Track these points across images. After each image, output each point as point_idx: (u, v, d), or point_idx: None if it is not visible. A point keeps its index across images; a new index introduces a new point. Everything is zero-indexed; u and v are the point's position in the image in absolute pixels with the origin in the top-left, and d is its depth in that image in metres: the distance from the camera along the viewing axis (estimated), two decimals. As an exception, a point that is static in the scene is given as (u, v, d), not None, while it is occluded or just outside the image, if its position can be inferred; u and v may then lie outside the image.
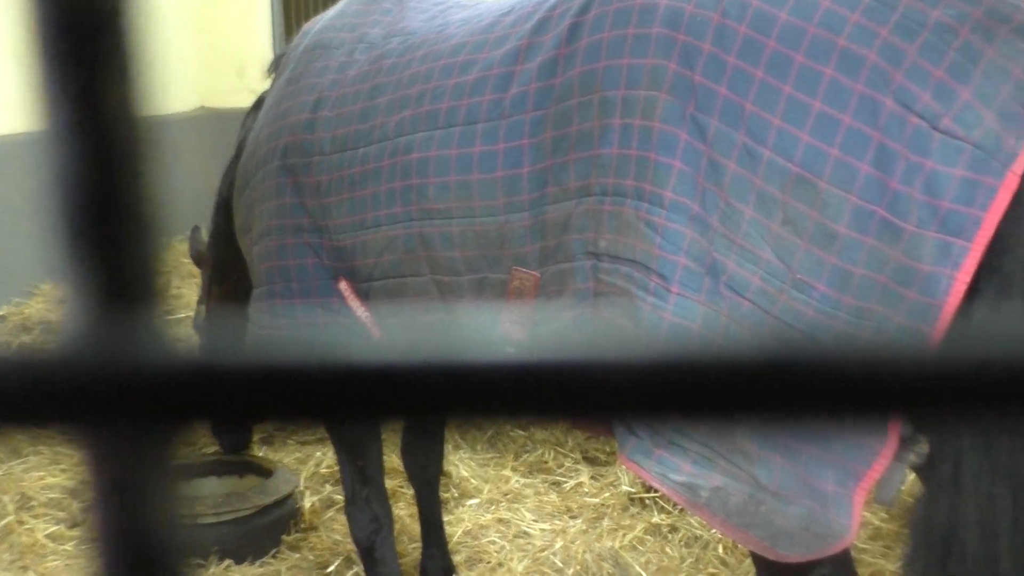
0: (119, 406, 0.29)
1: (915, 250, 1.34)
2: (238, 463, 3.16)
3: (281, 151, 2.09)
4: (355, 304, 2.00)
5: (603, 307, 1.58)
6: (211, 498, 2.87)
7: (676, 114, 1.49)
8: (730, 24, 1.47)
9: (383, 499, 2.32)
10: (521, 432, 3.46)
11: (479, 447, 3.42)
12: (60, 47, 0.28)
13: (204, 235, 2.95)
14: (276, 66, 2.44)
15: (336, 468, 3.16)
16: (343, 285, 2.00)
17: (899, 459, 1.47)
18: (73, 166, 0.29)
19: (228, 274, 2.71)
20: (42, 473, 3.20)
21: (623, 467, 3.15)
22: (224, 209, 2.58)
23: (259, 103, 2.54)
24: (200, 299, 3.01)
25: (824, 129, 1.39)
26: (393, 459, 2.76)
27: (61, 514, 3.01)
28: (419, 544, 2.66)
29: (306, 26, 2.40)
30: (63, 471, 3.23)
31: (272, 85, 2.35)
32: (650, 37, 1.54)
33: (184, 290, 4.71)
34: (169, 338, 0.29)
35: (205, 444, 3.43)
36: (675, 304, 1.47)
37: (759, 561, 1.60)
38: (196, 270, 5.28)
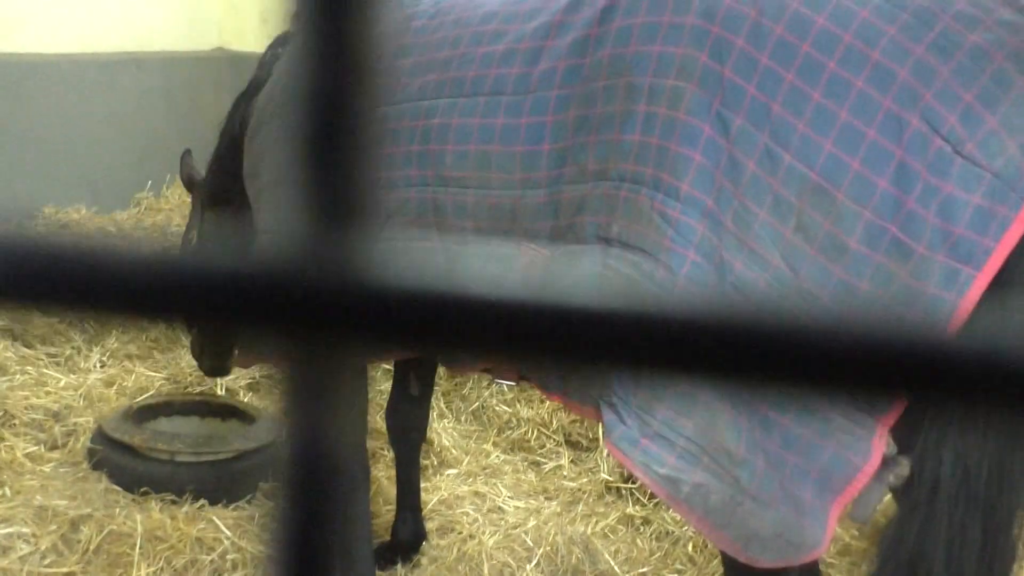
0: (321, 319, 0.29)
1: (922, 272, 1.34)
2: (223, 406, 3.17)
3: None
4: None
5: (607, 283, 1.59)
6: (192, 437, 2.88)
7: (702, 107, 1.49)
8: (766, 23, 1.46)
9: (363, 458, 2.33)
10: (507, 408, 3.47)
11: (464, 418, 3.43)
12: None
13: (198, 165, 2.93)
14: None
15: (319, 422, 3.17)
16: None
17: (879, 479, 1.47)
18: (313, 79, 0.29)
19: (223, 206, 2.69)
20: (27, 393, 3.21)
21: (604, 454, 3.16)
22: (231, 146, 2.56)
23: (277, 42, 2.53)
24: (189, 225, 2.98)
25: (848, 140, 1.38)
26: (377, 420, 2.76)
27: (42, 435, 3.02)
28: (394, 507, 2.67)
29: None
30: (48, 393, 3.24)
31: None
32: (684, 26, 1.53)
33: (183, 227, 4.70)
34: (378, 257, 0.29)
35: (192, 383, 3.44)
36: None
37: (728, 562, 1.61)
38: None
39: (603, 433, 1.62)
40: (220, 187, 2.66)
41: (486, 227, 1.74)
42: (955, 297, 1.32)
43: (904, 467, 1.47)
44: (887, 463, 1.47)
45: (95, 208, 4.85)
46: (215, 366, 2.90)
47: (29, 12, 4.69)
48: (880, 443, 1.42)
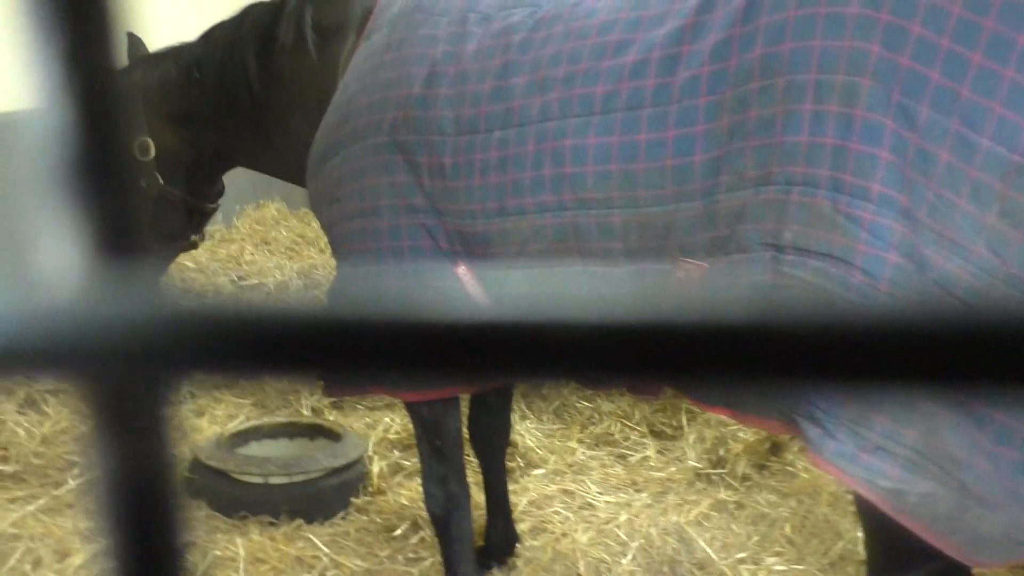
0: (118, 357, 0.29)
1: None
2: (309, 426, 3.23)
3: (389, 126, 1.97)
4: (473, 289, 1.89)
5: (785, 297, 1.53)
6: (282, 459, 2.95)
7: (881, 101, 1.39)
8: (941, 3, 1.37)
9: (461, 477, 2.27)
10: (587, 404, 3.46)
11: (545, 418, 3.43)
12: (48, 13, 0.29)
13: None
14: (351, 24, 2.29)
15: (403, 434, 3.22)
16: (462, 270, 1.90)
17: None
18: (66, 127, 0.30)
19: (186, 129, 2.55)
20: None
21: (690, 441, 3.13)
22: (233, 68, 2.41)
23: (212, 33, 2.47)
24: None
25: None
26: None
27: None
28: (484, 511, 2.69)
29: None
30: None
31: (357, 46, 2.20)
32: (846, 17, 1.43)
33: (257, 256, 4.82)
34: (161, 289, 0.30)
35: (278, 407, 3.53)
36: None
37: (878, 544, 1.56)
38: (269, 236, 5.43)
39: (809, 449, 1.51)
40: (196, 102, 2.49)
41: (637, 246, 1.66)
42: None
43: None
44: None
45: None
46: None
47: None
48: None
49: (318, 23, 2.33)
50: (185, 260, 4.75)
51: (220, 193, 2.78)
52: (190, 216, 2.65)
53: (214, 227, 5.46)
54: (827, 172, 1.43)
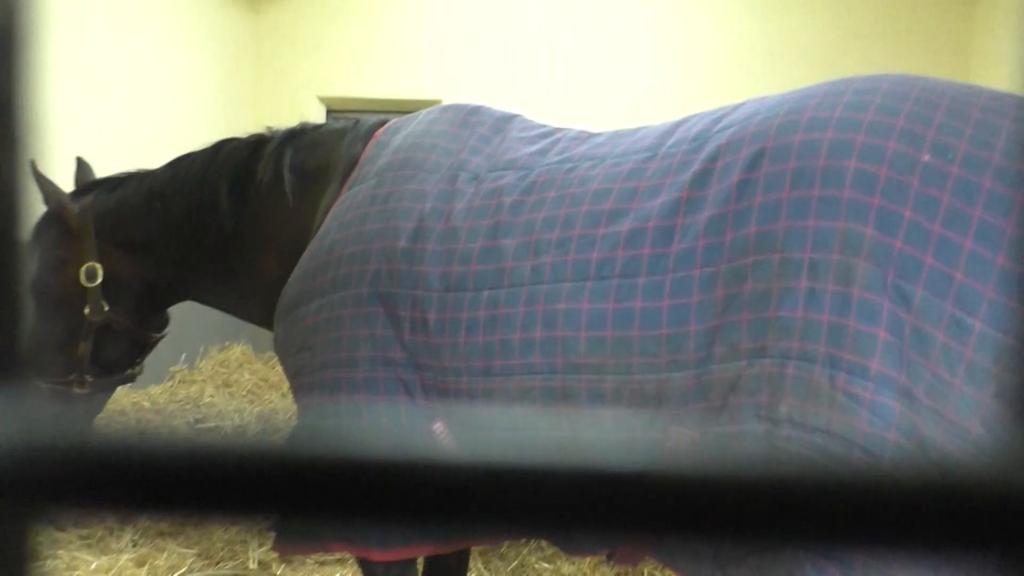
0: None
1: None
2: (254, 580, 3.06)
3: (372, 277, 1.95)
4: (447, 445, 1.82)
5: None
6: (222, 616, 2.77)
7: (877, 282, 1.41)
8: (932, 192, 1.42)
9: None
10: (547, 565, 3.32)
11: (503, 579, 3.28)
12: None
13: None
14: (333, 171, 2.27)
15: (353, 592, 3.05)
16: (438, 426, 1.82)
17: None
18: None
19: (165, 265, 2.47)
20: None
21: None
22: (211, 194, 2.35)
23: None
24: (61, 366, 2.45)
25: None
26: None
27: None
28: None
29: (379, 135, 2.24)
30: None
31: (339, 194, 2.19)
32: (840, 200, 1.47)
33: (217, 399, 4.73)
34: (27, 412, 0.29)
35: (223, 558, 3.36)
36: None
37: None
38: (231, 379, 5.35)
39: None
40: (173, 240, 2.40)
41: (627, 414, 1.64)
42: None
43: None
44: None
45: (130, 384, 4.90)
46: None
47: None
48: None
49: (299, 165, 2.33)
50: (143, 400, 4.64)
51: (166, 323, 2.67)
52: (132, 346, 2.55)
53: (176, 368, 5.39)
54: (824, 348, 1.43)
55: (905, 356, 1.39)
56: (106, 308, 2.44)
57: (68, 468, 0.29)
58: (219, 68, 6.49)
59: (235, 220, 2.35)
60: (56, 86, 4.58)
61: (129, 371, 2.58)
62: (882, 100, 1.54)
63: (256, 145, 2.39)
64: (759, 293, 1.51)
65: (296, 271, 2.12)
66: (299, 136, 2.38)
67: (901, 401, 1.38)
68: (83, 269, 2.42)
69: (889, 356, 1.39)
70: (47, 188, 2.50)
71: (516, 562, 3.35)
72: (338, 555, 3.28)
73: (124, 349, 2.52)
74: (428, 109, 2.29)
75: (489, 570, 3.32)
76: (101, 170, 2.76)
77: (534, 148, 2.00)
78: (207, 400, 4.77)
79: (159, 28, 5.79)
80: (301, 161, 2.32)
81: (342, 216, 2.09)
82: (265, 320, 2.42)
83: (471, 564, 3.30)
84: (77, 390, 2.46)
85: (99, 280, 2.42)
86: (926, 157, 1.45)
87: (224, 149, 2.43)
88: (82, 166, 2.70)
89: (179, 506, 0.29)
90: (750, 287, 1.53)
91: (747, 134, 1.64)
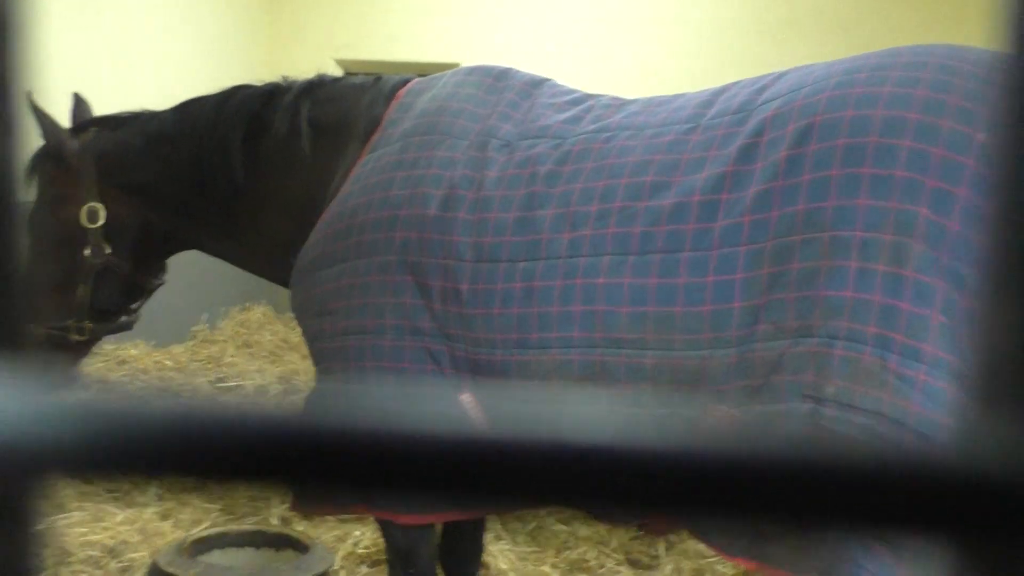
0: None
1: None
2: (276, 536, 3.13)
3: (400, 245, 1.92)
4: (477, 417, 1.78)
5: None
6: (246, 568, 2.84)
7: (931, 263, 1.39)
8: (984, 170, 1.40)
9: None
10: (564, 527, 3.37)
11: (520, 539, 3.34)
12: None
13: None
14: (352, 129, 2.21)
15: (373, 549, 3.11)
16: (466, 397, 1.81)
17: None
18: None
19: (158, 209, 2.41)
20: (84, 530, 3.22)
21: (666, 572, 3.03)
22: (219, 150, 2.27)
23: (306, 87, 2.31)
24: (60, 310, 2.37)
25: None
26: (431, 544, 2.70)
27: (98, 572, 3.01)
28: (451, 636, 2.57)
29: (401, 95, 2.17)
30: (105, 529, 3.24)
31: (359, 156, 2.14)
32: (892, 179, 1.44)
33: (238, 359, 4.78)
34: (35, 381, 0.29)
35: (245, 514, 3.42)
36: None
37: None
38: (252, 339, 5.40)
39: None
40: (169, 188, 2.33)
41: (666, 390, 1.62)
42: None
43: None
44: None
45: (153, 342, 4.97)
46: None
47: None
48: None
49: (315, 119, 2.26)
50: (165, 359, 4.70)
51: (164, 269, 2.60)
52: (131, 291, 2.48)
53: (197, 328, 5.44)
54: (874, 329, 1.41)
55: (959, 339, 1.37)
56: (107, 251, 2.38)
57: (81, 433, 0.29)
58: (236, 32, 6.47)
59: (245, 171, 2.28)
60: (70, 46, 4.58)
61: (125, 318, 2.51)
62: (932, 75, 1.51)
63: (271, 95, 2.32)
64: (806, 272, 1.49)
65: (315, 234, 2.09)
66: (317, 88, 2.31)
67: (954, 384, 1.36)
68: (84, 209, 2.35)
69: (943, 339, 1.38)
70: (45, 123, 2.41)
71: (533, 524, 3.40)
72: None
73: (123, 294, 2.46)
74: (453, 71, 2.24)
75: (507, 531, 3.38)
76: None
77: (566, 115, 1.96)
78: (228, 360, 4.83)
79: (179, -12, 5.77)
80: (318, 115, 2.26)
81: (365, 180, 2.05)
82: (271, 275, 2.40)
83: (489, 525, 3.35)
84: (76, 336, 2.40)
85: (100, 221, 2.36)
86: (981, 136, 1.42)
87: (236, 96, 2.35)
88: (79, 102, 2.59)
89: (196, 469, 0.29)
90: (797, 265, 1.51)
91: (794, 108, 1.61)
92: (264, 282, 2.65)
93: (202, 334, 5.32)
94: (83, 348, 2.49)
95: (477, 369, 1.84)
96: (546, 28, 6.90)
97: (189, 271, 5.19)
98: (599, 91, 2.15)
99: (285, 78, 2.39)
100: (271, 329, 5.51)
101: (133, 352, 4.79)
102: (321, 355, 2.06)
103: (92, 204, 2.36)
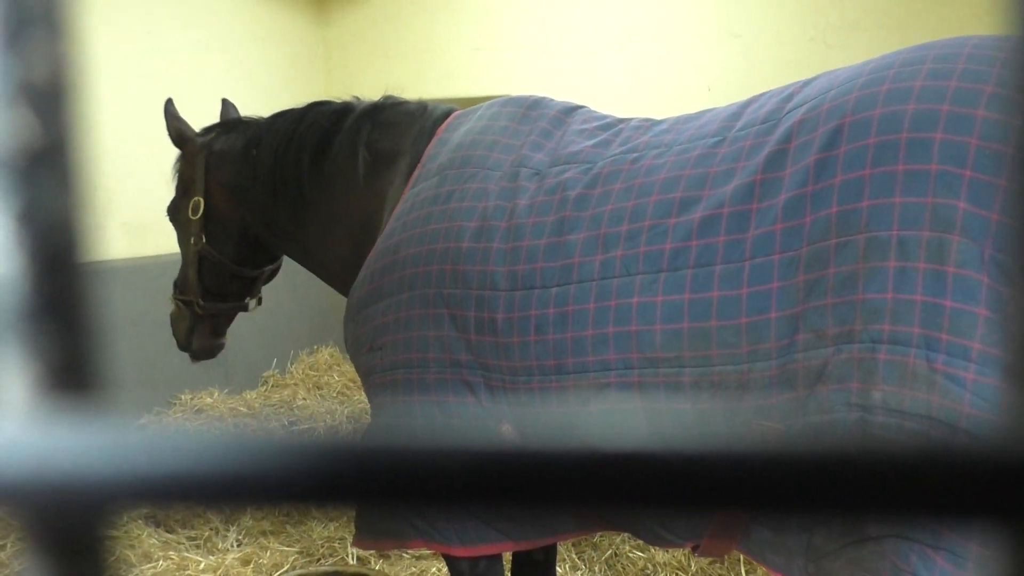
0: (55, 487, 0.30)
1: None
2: (355, 575, 3.15)
3: (437, 278, 1.94)
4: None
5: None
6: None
7: (973, 257, 1.34)
8: None
9: None
10: (641, 554, 3.32)
11: (597, 568, 3.30)
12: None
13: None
14: (402, 159, 2.29)
15: (450, 585, 3.11)
16: (506, 428, 1.85)
17: None
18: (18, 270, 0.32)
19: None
20: (169, 578, 3.29)
21: (750, 597, 2.96)
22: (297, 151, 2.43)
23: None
24: (183, 285, 2.72)
25: None
26: (507, 578, 2.69)
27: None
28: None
29: (440, 131, 2.24)
30: (189, 577, 3.31)
31: (403, 192, 2.19)
32: (928, 174, 1.40)
33: (309, 401, 4.86)
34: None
35: (323, 555, 3.46)
36: None
37: None
38: (321, 381, 5.49)
39: None
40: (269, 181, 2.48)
41: (707, 407, 1.59)
42: None
43: None
44: None
45: (227, 389, 5.09)
46: (205, 347, 2.78)
47: (161, 218, 5.17)
48: None
49: (373, 143, 2.35)
50: (239, 405, 4.80)
51: (267, 263, 2.77)
52: (231, 280, 2.70)
53: (268, 373, 5.56)
54: (919, 330, 1.36)
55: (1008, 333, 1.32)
56: (203, 240, 2.62)
57: (148, 466, 0.31)
58: (290, 77, 6.65)
59: (312, 186, 2.42)
60: (131, 99, 4.77)
61: (235, 303, 2.75)
62: (966, 65, 1.46)
63: (340, 114, 2.44)
64: (844, 276, 1.45)
65: (363, 271, 2.15)
66: (379, 112, 2.41)
67: (1007, 381, 1.30)
68: (192, 202, 2.63)
69: (991, 334, 1.32)
70: (173, 124, 2.73)
71: (609, 551, 3.35)
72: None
73: (224, 282, 2.70)
74: (489, 103, 2.28)
75: (583, 560, 3.34)
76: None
77: (596, 140, 1.96)
78: (300, 403, 4.91)
79: (231, 41, 5.97)
80: (376, 140, 2.35)
81: (406, 216, 2.10)
82: (339, 288, 2.52)
83: (564, 555, 3.32)
84: (196, 310, 2.70)
85: (200, 213, 2.61)
86: (1020, 122, 1.38)
87: (312, 112, 2.50)
88: (227, 105, 2.87)
89: (269, 503, 0.30)
90: (833, 270, 1.46)
91: (822, 111, 1.57)
92: (331, 324, 2.74)
93: (273, 379, 5.43)
94: (208, 321, 2.76)
95: (516, 398, 1.83)
96: (595, 51, 6.93)
97: (258, 318, 5.33)
98: (657, 113, 2.15)
99: (357, 98, 2.51)
100: (339, 370, 5.59)
101: (208, 400, 4.91)
102: (373, 389, 2.09)
103: (197, 198, 2.62)
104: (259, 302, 2.83)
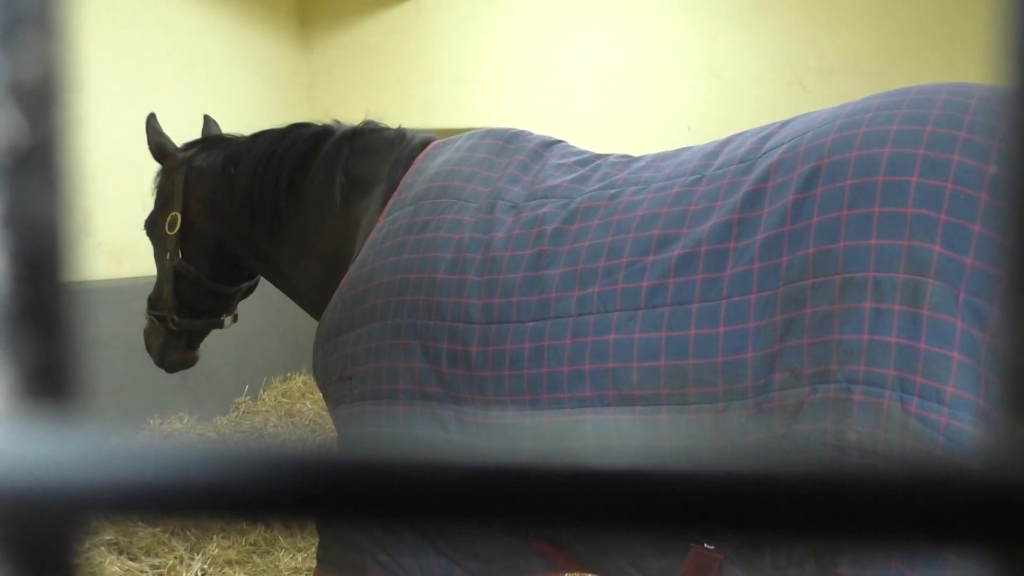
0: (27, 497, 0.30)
1: None
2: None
3: (410, 308, 1.92)
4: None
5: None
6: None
7: (948, 301, 1.35)
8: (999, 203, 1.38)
9: None
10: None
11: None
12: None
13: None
14: (378, 186, 2.28)
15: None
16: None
17: None
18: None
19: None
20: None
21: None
22: (280, 166, 2.42)
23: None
24: (157, 301, 2.71)
25: None
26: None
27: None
28: None
29: (418, 161, 2.23)
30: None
31: (377, 220, 2.18)
32: (904, 217, 1.41)
33: (280, 429, 4.80)
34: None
35: (290, 586, 3.39)
36: None
37: None
38: (294, 409, 5.43)
39: None
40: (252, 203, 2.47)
41: (683, 446, 1.59)
42: None
43: None
44: None
45: (197, 415, 5.02)
46: (178, 360, 2.76)
47: (138, 240, 5.14)
48: None
49: (350, 168, 2.34)
50: (209, 431, 4.74)
51: (243, 280, 2.75)
52: (206, 296, 2.67)
53: (240, 399, 5.49)
54: (893, 372, 1.37)
55: (982, 378, 1.33)
56: (179, 256, 2.60)
57: (120, 476, 0.31)
58: (274, 104, 6.66)
59: (288, 209, 2.41)
60: (114, 125, 4.75)
61: (209, 320, 2.73)
62: (941, 111, 1.49)
63: (320, 137, 2.44)
64: (820, 316, 1.46)
65: (334, 299, 2.12)
66: (357, 138, 2.41)
67: (979, 426, 1.32)
68: (169, 217, 2.61)
69: (965, 378, 1.33)
70: (154, 139, 2.73)
71: (581, 588, 3.32)
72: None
73: (199, 298, 2.68)
74: (468, 134, 2.27)
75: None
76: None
77: (574, 175, 1.96)
78: (271, 430, 4.85)
79: (215, 71, 5.98)
80: (353, 166, 2.34)
81: (380, 244, 2.08)
82: (313, 312, 2.50)
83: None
84: (171, 326, 2.68)
85: (177, 229, 2.59)
86: (994, 168, 1.40)
87: (291, 134, 2.49)
88: (208, 122, 2.87)
89: (245, 515, 0.31)
90: (810, 310, 1.47)
91: (800, 152, 1.59)
92: (305, 350, 2.72)
93: (244, 405, 5.37)
94: (181, 338, 2.74)
95: (488, 433, 1.81)
96: (578, 88, 7.00)
97: (231, 343, 5.28)
98: (638, 150, 2.16)
99: (337, 121, 2.50)
100: (312, 397, 5.54)
101: (178, 425, 4.84)
102: (341, 420, 2.05)
103: (175, 213, 2.61)
104: (235, 319, 2.81)
